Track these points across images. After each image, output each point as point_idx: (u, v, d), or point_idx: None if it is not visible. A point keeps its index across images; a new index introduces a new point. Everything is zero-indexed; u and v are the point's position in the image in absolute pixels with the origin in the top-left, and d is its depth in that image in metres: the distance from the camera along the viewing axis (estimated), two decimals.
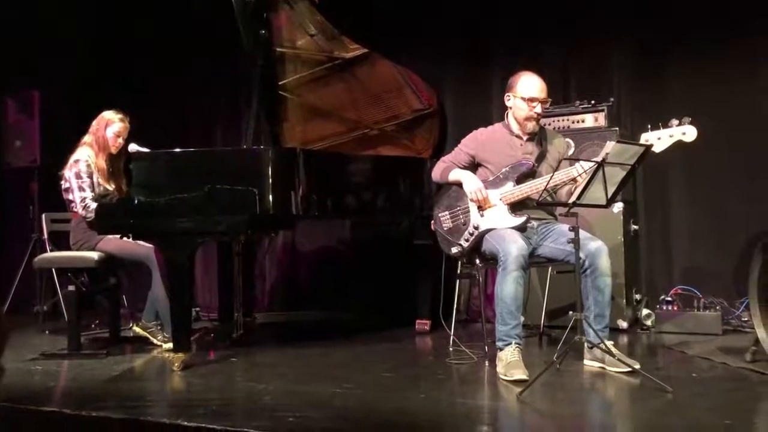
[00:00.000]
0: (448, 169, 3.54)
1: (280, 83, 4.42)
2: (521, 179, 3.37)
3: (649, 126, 3.05)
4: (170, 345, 3.56)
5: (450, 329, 3.81)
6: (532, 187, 3.31)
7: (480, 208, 3.41)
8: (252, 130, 4.03)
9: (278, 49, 4.31)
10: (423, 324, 4.32)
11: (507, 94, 3.46)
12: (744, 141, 4.31)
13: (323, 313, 5.25)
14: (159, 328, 4.04)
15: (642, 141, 3.01)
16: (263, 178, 3.39)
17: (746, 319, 3.92)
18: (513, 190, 3.36)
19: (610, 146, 2.83)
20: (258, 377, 3.27)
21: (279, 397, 2.88)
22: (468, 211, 3.45)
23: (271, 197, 3.38)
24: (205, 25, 5.41)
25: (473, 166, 3.54)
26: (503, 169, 3.42)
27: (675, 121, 3.00)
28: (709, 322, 3.97)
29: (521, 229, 3.34)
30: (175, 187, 3.42)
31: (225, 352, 3.84)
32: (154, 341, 4.04)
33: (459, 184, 3.47)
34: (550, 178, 3.09)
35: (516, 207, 3.37)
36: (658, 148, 3.01)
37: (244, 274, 4.49)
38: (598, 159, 2.85)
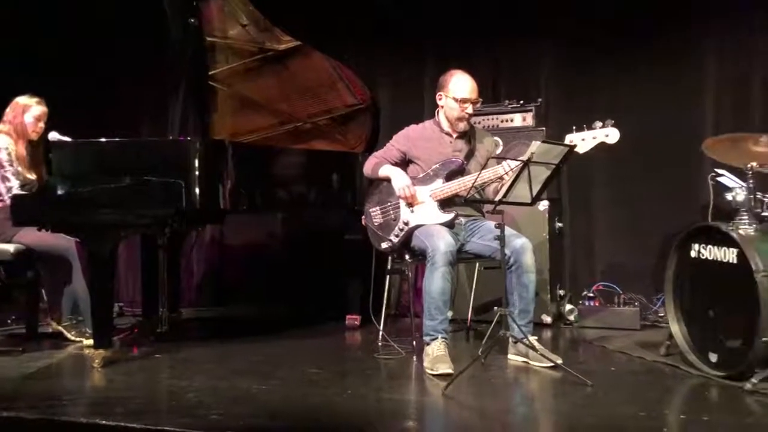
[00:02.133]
0: (379, 164, 3.55)
1: (210, 73, 4.32)
2: (451, 176, 3.41)
3: (574, 127, 3.13)
4: (90, 341, 3.45)
5: (379, 324, 3.83)
6: (460, 185, 3.35)
7: (410, 204, 3.43)
8: (179, 121, 3.94)
9: (209, 39, 4.21)
10: (353, 319, 4.32)
11: (439, 93, 3.49)
12: (664, 143, 4.47)
13: (252, 308, 5.18)
14: (76, 323, 3.91)
15: (567, 141, 3.09)
16: (190, 171, 3.31)
17: (662, 314, 4.08)
18: (442, 187, 3.40)
19: (536, 146, 2.89)
20: (182, 374, 3.20)
21: (203, 393, 2.83)
22: (398, 207, 3.47)
23: (197, 190, 3.31)
24: (131, 6, 5.19)
25: (404, 162, 3.56)
26: (433, 166, 3.45)
27: (599, 123, 3.09)
28: (628, 318, 4.12)
29: (450, 225, 3.38)
30: (98, 178, 3.31)
31: (149, 348, 3.74)
32: (69, 337, 3.90)
33: (389, 180, 3.48)
34: (478, 176, 3.14)
35: (445, 204, 3.41)
36: (582, 149, 3.10)
37: (170, 269, 4.37)
38: (524, 158, 2.91)
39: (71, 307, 3.91)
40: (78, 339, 3.89)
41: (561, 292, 4.45)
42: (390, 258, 3.72)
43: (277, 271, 5.18)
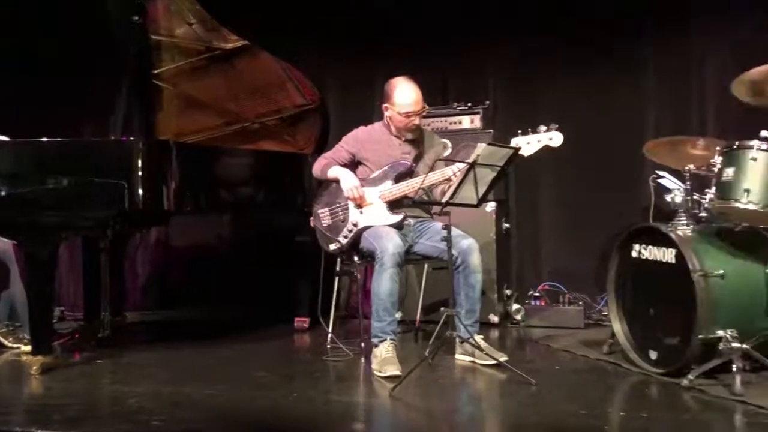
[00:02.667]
0: (328, 165, 3.54)
1: (155, 72, 4.23)
2: (399, 178, 3.42)
3: (519, 131, 3.17)
4: (29, 347, 3.34)
5: (328, 326, 3.81)
6: (409, 186, 3.36)
7: (359, 205, 3.42)
8: (122, 121, 3.85)
9: (154, 37, 4.12)
10: (302, 321, 4.29)
11: (384, 104, 3.48)
12: (607, 146, 4.58)
13: (199, 311, 5.09)
14: (13, 329, 3.78)
15: (512, 144, 3.13)
16: (133, 172, 3.24)
17: (606, 313, 4.16)
18: (391, 189, 3.41)
19: (481, 148, 2.92)
20: (124, 379, 3.13)
21: (145, 399, 2.77)
22: (347, 209, 3.46)
23: (140, 192, 3.24)
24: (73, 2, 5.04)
25: (353, 163, 3.55)
26: (382, 168, 3.46)
27: (543, 127, 3.14)
28: (572, 317, 4.19)
29: (398, 226, 3.39)
30: (38, 179, 3.22)
31: (90, 353, 3.64)
32: (6, 343, 3.77)
33: (338, 181, 3.47)
34: (425, 178, 3.16)
35: (394, 205, 3.42)
36: (526, 152, 3.14)
37: (113, 271, 4.27)
38: (470, 160, 2.94)
39: (8, 312, 3.78)
40: (15, 345, 3.77)
41: (508, 292, 4.51)
42: (339, 260, 3.71)
43: (224, 273, 5.11)
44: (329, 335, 3.74)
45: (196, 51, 4.21)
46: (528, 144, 3.14)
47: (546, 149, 3.17)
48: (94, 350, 3.72)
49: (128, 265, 5.06)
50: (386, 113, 3.50)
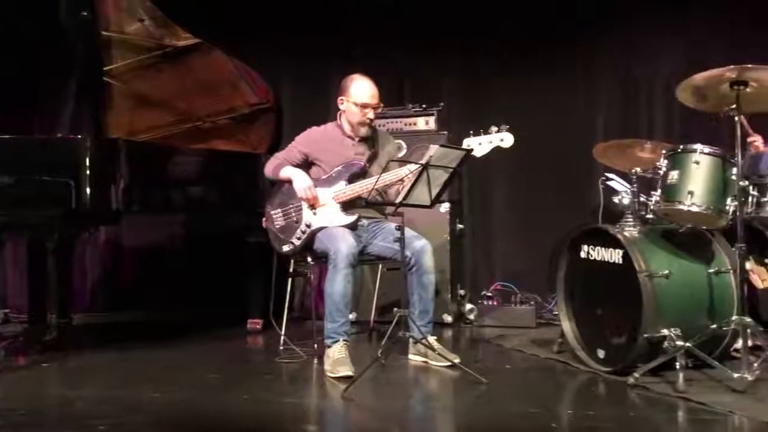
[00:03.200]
0: (280, 165, 3.52)
1: (105, 69, 4.14)
2: (353, 179, 3.42)
3: (471, 132, 3.20)
4: None
5: (281, 328, 3.78)
6: (363, 187, 3.36)
7: (312, 206, 3.41)
8: (70, 118, 3.75)
9: (104, 33, 4.04)
10: (254, 323, 4.25)
11: (340, 97, 3.48)
12: (559, 148, 4.66)
13: (149, 313, 4.99)
14: None
15: (464, 146, 3.16)
16: (80, 170, 3.19)
17: (556, 313, 4.23)
18: (344, 189, 3.40)
19: (434, 150, 2.94)
20: (71, 383, 3.06)
21: (92, 403, 2.72)
22: (300, 209, 3.44)
23: (88, 191, 3.18)
24: None
25: (306, 164, 3.54)
26: (336, 169, 3.45)
27: (494, 128, 3.18)
28: (524, 316, 4.26)
29: (352, 227, 3.39)
30: None
31: (36, 357, 3.54)
32: None
33: (290, 182, 3.45)
34: (378, 178, 3.16)
35: (347, 206, 3.41)
36: (478, 153, 3.18)
37: (60, 272, 4.14)
38: (422, 161, 2.96)
39: None
40: None
41: (461, 292, 4.56)
42: (292, 260, 3.69)
43: (176, 274, 5.03)
44: (282, 337, 3.71)
45: (147, 48, 4.14)
46: (480, 145, 3.18)
47: (498, 150, 3.21)
48: (40, 354, 3.61)
49: (76, 265, 4.94)
50: (341, 106, 3.49)
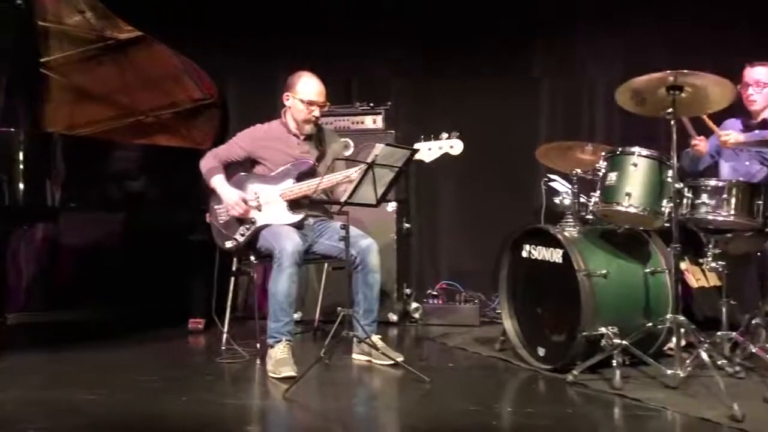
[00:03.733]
0: (214, 171, 3.44)
1: (42, 60, 4.01)
2: (302, 177, 3.38)
3: (422, 137, 3.22)
4: None
5: (223, 327, 3.72)
6: (310, 185, 3.33)
7: (259, 203, 3.37)
8: (2, 110, 3.61)
9: (41, 24, 3.91)
10: (196, 323, 4.17)
11: (286, 93, 3.45)
12: (504, 149, 4.72)
13: (87, 313, 4.83)
14: None
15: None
16: (13, 165, 3.08)
17: (499, 311, 4.28)
18: (292, 188, 3.37)
19: (379, 148, 2.94)
20: (1, 385, 2.93)
21: (22, 406, 2.63)
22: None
23: (21, 186, 3.07)
24: None
25: (248, 161, 3.49)
26: (285, 166, 3.41)
27: (445, 134, 3.20)
28: (468, 315, 4.30)
29: (298, 226, 3.36)
30: None
31: None
32: None
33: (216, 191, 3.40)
34: (323, 178, 3.14)
35: (294, 204, 3.38)
36: (427, 159, 3.20)
37: None
38: (368, 160, 2.95)
39: None
40: None
41: (407, 291, 4.57)
42: (235, 259, 3.63)
43: (115, 272, 4.88)
44: (224, 336, 3.65)
45: (87, 40, 4.03)
46: (429, 150, 3.19)
47: (446, 156, 3.22)
48: None
49: (11, 263, 4.76)
50: (287, 102, 3.45)
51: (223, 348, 3.58)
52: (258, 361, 3.32)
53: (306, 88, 3.40)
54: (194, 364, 3.50)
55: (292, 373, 3.00)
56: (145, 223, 4.64)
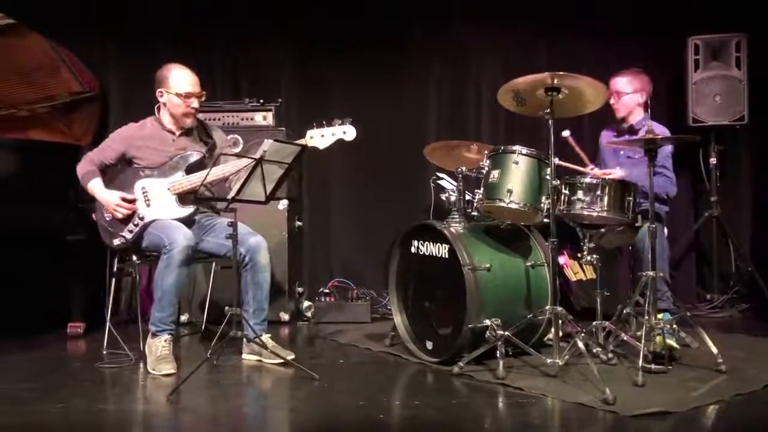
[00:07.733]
0: (90, 175, 3.29)
1: None
2: (191, 170, 3.29)
3: (314, 123, 3.19)
4: None
5: (105, 331, 3.55)
6: (200, 178, 3.23)
7: (146, 199, 3.24)
8: None
9: None
10: (76, 327, 3.95)
11: (159, 89, 3.33)
12: (395, 147, 4.79)
13: None
14: None
15: (307, 137, 3.15)
16: None
17: (390, 307, 4.34)
18: (182, 181, 3.27)
19: (268, 144, 2.90)
20: None
21: None
22: (133, 201, 3.26)
23: None
24: None
25: (124, 161, 3.37)
26: (173, 158, 3.31)
27: (337, 121, 3.19)
28: (359, 312, 4.32)
29: (188, 221, 3.27)
30: None
31: None
32: None
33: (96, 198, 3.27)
34: (208, 173, 3.05)
35: (184, 198, 3.28)
36: (321, 145, 3.17)
37: None
38: (256, 156, 2.91)
39: None
40: None
41: (299, 290, 4.54)
42: (116, 259, 3.48)
43: None
44: (105, 339, 3.49)
45: None
46: (322, 137, 3.17)
47: (336, 148, 3.22)
48: None
49: None
50: (161, 99, 3.35)
51: (104, 352, 3.42)
52: (141, 366, 3.18)
53: (179, 81, 3.30)
54: (72, 370, 3.30)
55: (173, 371, 2.96)
56: (16, 223, 4.36)
